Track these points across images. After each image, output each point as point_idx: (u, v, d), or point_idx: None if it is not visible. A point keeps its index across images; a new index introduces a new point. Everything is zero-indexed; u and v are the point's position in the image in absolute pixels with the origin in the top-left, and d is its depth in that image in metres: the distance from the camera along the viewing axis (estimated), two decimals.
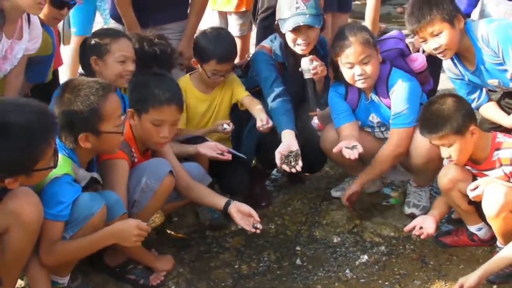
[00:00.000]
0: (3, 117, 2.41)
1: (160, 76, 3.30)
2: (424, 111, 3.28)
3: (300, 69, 3.70)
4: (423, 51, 4.05)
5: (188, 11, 4.33)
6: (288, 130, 3.58)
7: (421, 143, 3.49)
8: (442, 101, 3.16)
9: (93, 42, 3.44)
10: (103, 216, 2.84)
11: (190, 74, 3.92)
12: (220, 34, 3.88)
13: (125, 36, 3.55)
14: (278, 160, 3.46)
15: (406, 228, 3.37)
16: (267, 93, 3.75)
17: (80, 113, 2.82)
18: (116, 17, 4.28)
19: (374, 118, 3.77)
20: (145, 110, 3.14)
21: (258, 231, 3.17)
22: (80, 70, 3.65)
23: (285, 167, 3.45)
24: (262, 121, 3.59)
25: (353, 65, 3.57)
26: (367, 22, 6.02)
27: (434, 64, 4.05)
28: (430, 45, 3.36)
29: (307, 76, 3.69)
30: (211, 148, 3.53)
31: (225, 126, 3.72)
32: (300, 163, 3.43)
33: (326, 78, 3.87)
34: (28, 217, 2.61)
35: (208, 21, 5.30)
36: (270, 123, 3.59)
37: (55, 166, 2.59)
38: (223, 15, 5.49)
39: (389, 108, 3.66)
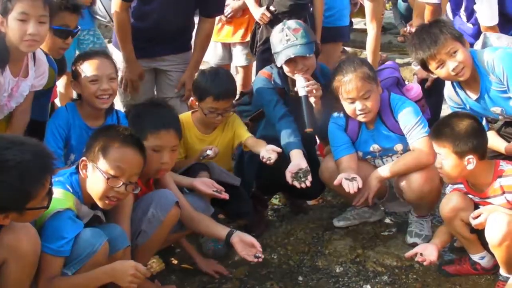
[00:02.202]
0: None
1: (156, 105, 3.36)
2: (444, 118, 3.31)
3: (295, 88, 3.74)
4: (419, 81, 4.12)
5: (193, 43, 4.42)
6: (297, 150, 3.65)
7: (413, 179, 3.56)
8: (463, 118, 3.19)
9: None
10: (106, 252, 2.83)
11: (192, 112, 3.94)
12: (219, 72, 3.93)
13: None
14: (289, 178, 3.53)
15: (407, 254, 3.37)
16: (271, 116, 3.84)
17: (99, 139, 2.90)
18: (117, 45, 4.36)
19: (375, 148, 3.79)
20: (144, 137, 3.14)
21: (260, 260, 3.19)
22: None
23: (295, 183, 3.51)
24: (269, 151, 3.56)
25: (354, 100, 3.62)
26: (368, 52, 6.08)
27: (435, 92, 4.09)
28: (449, 66, 3.39)
29: (302, 93, 3.70)
30: (207, 185, 3.53)
31: (208, 152, 3.73)
32: (309, 178, 3.50)
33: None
34: (25, 249, 2.59)
35: (211, 52, 5.38)
36: (275, 154, 3.55)
37: (47, 207, 2.58)
38: (227, 46, 5.54)
39: (394, 132, 3.71)
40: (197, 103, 3.84)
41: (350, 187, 3.49)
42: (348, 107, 3.67)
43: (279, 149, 3.59)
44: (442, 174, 3.25)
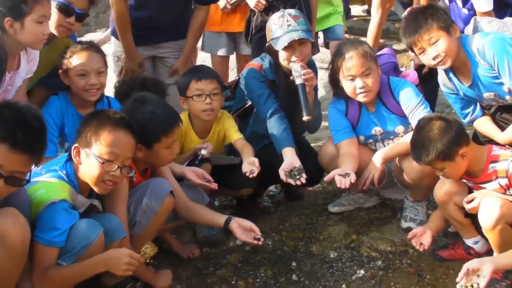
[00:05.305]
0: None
1: (143, 104, 3.24)
2: (413, 136, 3.26)
3: (291, 77, 3.70)
4: (416, 68, 4.11)
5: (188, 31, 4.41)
6: (289, 148, 3.63)
7: None
8: (429, 127, 3.13)
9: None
10: (101, 244, 2.81)
11: (189, 113, 3.86)
12: (195, 65, 4.00)
13: None
14: (282, 176, 3.50)
15: (411, 234, 3.35)
16: (262, 110, 3.78)
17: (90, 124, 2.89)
18: (116, 35, 4.36)
19: (377, 131, 3.79)
20: (157, 140, 3.14)
21: (260, 242, 3.20)
22: None
23: (290, 180, 3.49)
24: (251, 164, 3.54)
25: (355, 78, 3.62)
26: (369, 38, 5.99)
27: (431, 79, 4.07)
28: (430, 54, 3.37)
29: (299, 81, 3.66)
30: (197, 175, 3.53)
31: (203, 151, 3.70)
32: (304, 175, 3.47)
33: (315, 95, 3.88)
34: (13, 239, 2.52)
35: (214, 42, 5.35)
36: (256, 167, 3.53)
37: None
38: (231, 36, 5.48)
39: (394, 113, 3.72)
40: (185, 99, 3.78)
41: (342, 182, 3.45)
42: (348, 86, 3.67)
43: (257, 165, 3.52)
44: (449, 177, 3.24)
